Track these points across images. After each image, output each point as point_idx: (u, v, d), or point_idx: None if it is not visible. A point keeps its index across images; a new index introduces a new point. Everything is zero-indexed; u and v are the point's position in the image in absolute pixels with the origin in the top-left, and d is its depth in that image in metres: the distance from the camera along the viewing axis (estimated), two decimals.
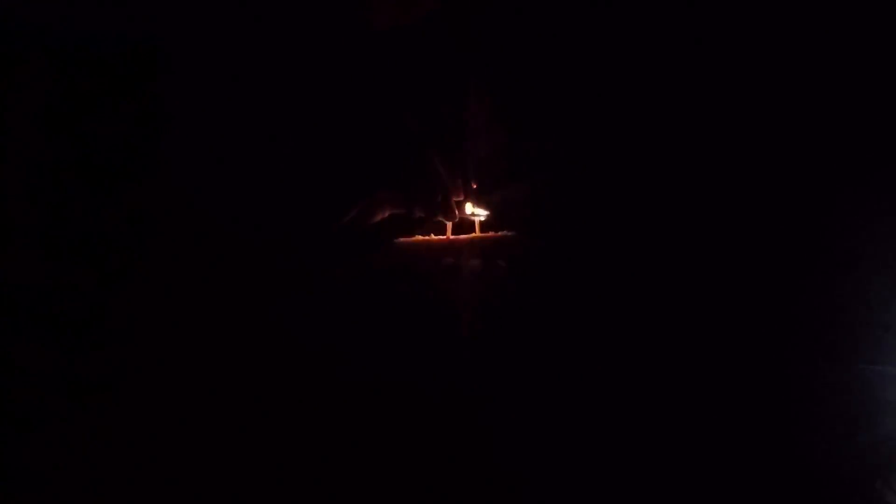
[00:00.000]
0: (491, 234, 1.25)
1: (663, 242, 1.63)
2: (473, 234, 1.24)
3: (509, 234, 1.25)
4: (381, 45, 1.38)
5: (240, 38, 1.31)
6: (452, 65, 1.40)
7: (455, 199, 1.23)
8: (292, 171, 1.32)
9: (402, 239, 1.23)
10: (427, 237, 1.24)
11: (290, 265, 1.28)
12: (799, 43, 1.58)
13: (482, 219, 1.26)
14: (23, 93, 1.38)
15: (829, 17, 1.55)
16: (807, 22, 1.56)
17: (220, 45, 1.31)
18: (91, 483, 1.31)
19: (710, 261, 1.64)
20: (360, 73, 1.39)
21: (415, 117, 1.41)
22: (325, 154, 1.34)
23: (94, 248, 1.33)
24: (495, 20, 1.41)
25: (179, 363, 1.34)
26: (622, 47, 1.61)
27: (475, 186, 1.27)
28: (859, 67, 1.56)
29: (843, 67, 1.57)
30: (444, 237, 1.24)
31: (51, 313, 1.32)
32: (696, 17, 1.63)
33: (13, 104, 1.37)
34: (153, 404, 1.33)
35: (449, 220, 1.23)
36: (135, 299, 1.32)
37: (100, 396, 1.33)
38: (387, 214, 1.24)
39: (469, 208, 1.25)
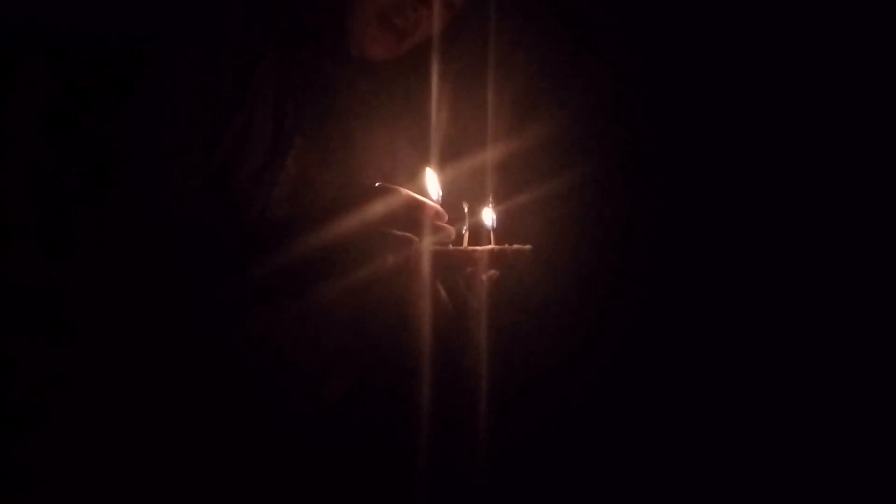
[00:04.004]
0: (507, 246, 1.25)
1: (673, 249, 1.64)
2: (491, 246, 1.25)
3: (524, 247, 1.25)
4: (374, 69, 1.39)
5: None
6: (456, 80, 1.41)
7: (465, 206, 1.24)
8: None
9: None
10: (445, 247, 1.24)
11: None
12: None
13: (492, 226, 1.26)
14: (23, 93, 1.38)
15: None
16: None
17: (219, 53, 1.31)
18: (91, 483, 1.31)
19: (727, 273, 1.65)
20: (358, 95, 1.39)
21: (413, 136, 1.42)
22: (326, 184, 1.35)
23: (93, 248, 1.33)
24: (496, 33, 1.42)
25: (179, 362, 1.34)
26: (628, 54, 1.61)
27: (492, 199, 1.28)
28: None
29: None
30: (462, 248, 1.25)
31: (51, 313, 1.32)
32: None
33: (13, 104, 1.37)
34: (153, 404, 1.33)
35: (448, 237, 1.23)
36: (134, 299, 1.31)
37: (99, 396, 1.33)
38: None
39: (484, 217, 1.26)
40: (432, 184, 1.25)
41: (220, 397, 1.34)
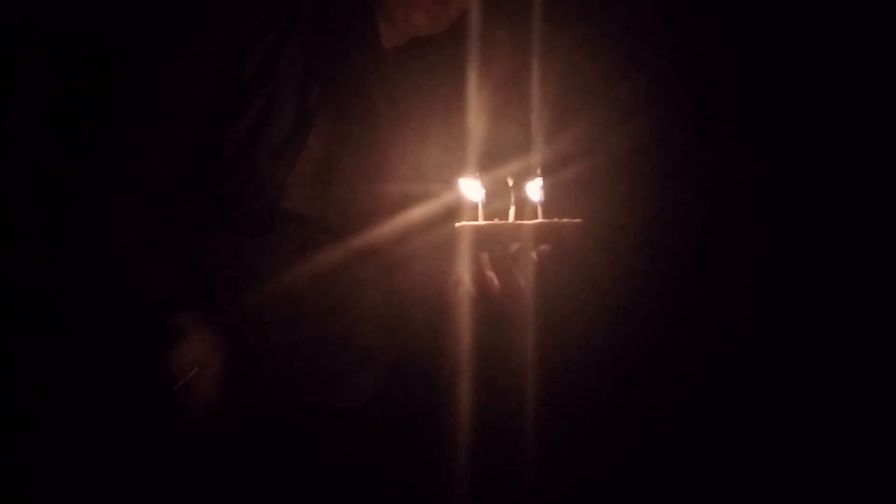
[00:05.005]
0: (556, 220, 1.21)
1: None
2: (538, 220, 1.21)
3: (574, 221, 1.21)
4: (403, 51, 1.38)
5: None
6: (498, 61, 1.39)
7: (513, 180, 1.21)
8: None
9: (465, 223, 1.20)
10: (492, 222, 1.20)
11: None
12: None
13: (540, 201, 1.21)
14: (23, 93, 1.38)
15: None
16: None
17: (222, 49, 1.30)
18: (91, 483, 1.31)
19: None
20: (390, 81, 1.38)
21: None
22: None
23: (93, 248, 1.33)
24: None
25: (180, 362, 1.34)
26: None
27: (539, 171, 1.23)
28: None
29: None
30: (509, 222, 1.20)
31: (51, 313, 1.32)
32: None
33: (13, 104, 1.38)
34: (156, 404, 1.33)
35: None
36: (134, 299, 1.31)
37: (99, 396, 1.32)
38: None
39: (530, 192, 1.21)
40: (473, 190, 1.22)
41: (239, 396, 1.33)
